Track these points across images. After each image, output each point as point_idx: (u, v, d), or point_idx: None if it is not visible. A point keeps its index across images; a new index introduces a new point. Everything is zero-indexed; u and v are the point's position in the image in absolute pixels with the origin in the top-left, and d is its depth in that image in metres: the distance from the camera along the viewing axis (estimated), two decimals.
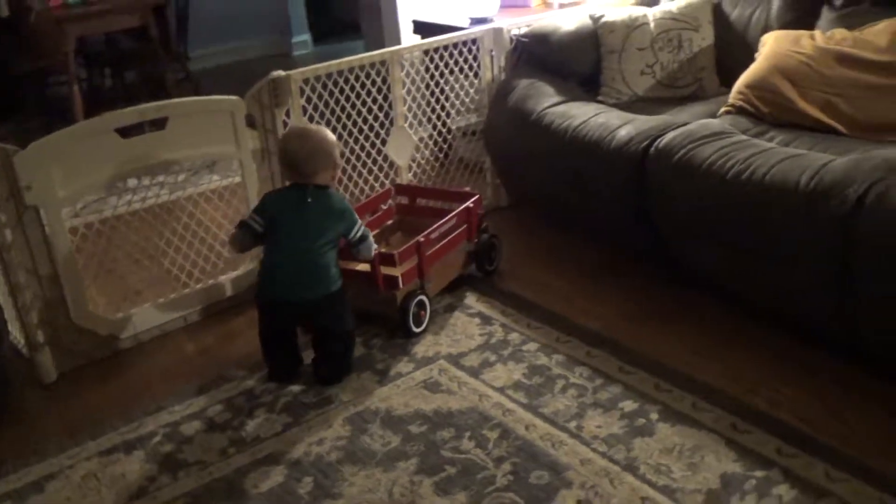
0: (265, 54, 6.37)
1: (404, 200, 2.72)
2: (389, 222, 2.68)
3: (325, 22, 6.94)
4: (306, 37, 6.57)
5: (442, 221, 2.41)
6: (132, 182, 2.49)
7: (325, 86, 2.64)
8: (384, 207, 2.66)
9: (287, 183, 2.18)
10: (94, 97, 4.61)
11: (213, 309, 2.53)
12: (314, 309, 2.09)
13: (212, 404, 2.08)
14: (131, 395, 2.18)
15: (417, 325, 2.30)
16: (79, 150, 2.19)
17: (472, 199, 2.53)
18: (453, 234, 2.44)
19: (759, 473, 1.68)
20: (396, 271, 2.24)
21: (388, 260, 2.24)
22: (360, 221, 2.15)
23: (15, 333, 2.31)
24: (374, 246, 2.20)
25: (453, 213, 2.46)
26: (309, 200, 2.07)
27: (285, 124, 2.52)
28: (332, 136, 2.14)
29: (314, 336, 2.15)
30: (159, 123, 2.32)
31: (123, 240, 2.62)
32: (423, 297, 2.31)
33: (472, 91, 3.02)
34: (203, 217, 2.62)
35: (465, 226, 2.49)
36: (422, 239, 2.30)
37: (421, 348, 2.24)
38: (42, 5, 4.10)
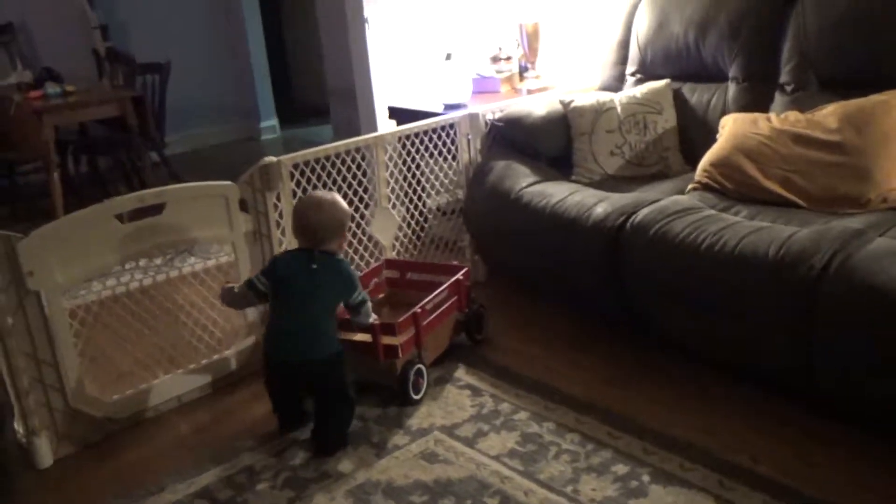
0: (235, 138, 6.53)
1: (394, 275, 2.85)
2: (381, 296, 2.79)
3: (291, 107, 7.15)
4: (274, 122, 6.75)
5: (436, 293, 2.53)
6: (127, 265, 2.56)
7: (312, 170, 2.76)
8: (376, 281, 2.79)
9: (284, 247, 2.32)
10: (66, 185, 4.66)
11: (207, 388, 2.57)
12: (316, 370, 2.18)
13: (213, 482, 2.11)
14: (131, 476, 2.19)
15: (416, 393, 2.39)
16: (79, 237, 2.26)
17: (462, 272, 2.66)
18: (446, 306, 2.57)
19: None
20: (396, 340, 2.35)
21: (388, 330, 2.35)
22: (360, 287, 2.27)
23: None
24: (373, 314, 2.32)
25: (445, 285, 2.59)
26: (314, 266, 2.17)
27: (276, 207, 2.62)
28: (344, 206, 2.24)
29: (315, 403, 2.23)
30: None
31: (114, 321, 2.67)
32: (421, 366, 2.41)
33: (450, 172, 3.17)
34: (197, 297, 2.69)
35: (455, 297, 2.62)
36: (419, 310, 2.42)
37: (415, 420, 2.31)
38: (21, 97, 4.18)
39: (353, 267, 2.85)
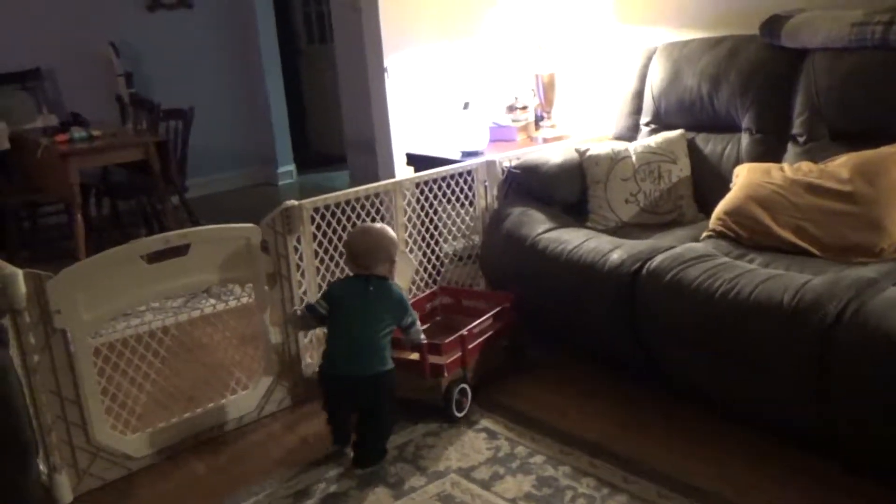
0: (252, 183, 6.62)
1: (448, 301, 3.02)
2: (437, 319, 2.97)
3: (307, 154, 7.28)
4: (291, 167, 6.85)
5: (482, 319, 2.67)
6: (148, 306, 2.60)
7: (333, 214, 2.82)
8: (432, 305, 2.97)
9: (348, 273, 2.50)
10: (87, 227, 4.73)
11: (226, 427, 2.60)
12: (365, 385, 2.30)
13: None
14: None
15: (459, 411, 2.53)
16: (106, 276, 2.31)
17: (508, 300, 2.79)
18: (492, 331, 2.70)
19: None
20: (442, 360, 2.48)
21: (435, 350, 2.49)
22: (411, 309, 2.41)
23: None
24: (421, 332, 2.48)
25: (492, 312, 2.73)
26: (371, 289, 2.33)
27: (296, 249, 2.67)
28: (391, 234, 2.44)
29: (357, 417, 2.34)
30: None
31: (136, 360, 2.70)
32: (465, 386, 2.55)
33: (466, 218, 3.23)
34: (218, 337, 2.72)
35: (501, 323, 2.75)
36: (465, 332, 2.56)
37: (431, 463, 2.32)
38: (49, 140, 4.28)
39: None
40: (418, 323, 2.45)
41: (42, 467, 2.28)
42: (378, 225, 2.49)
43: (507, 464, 2.29)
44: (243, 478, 2.34)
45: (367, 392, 2.31)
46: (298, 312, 2.44)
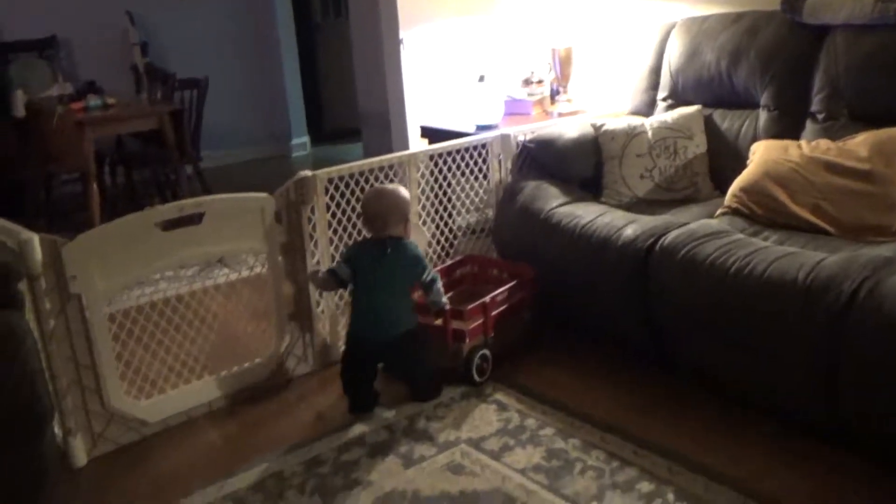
0: (266, 155, 6.63)
1: (474, 270, 3.06)
2: (462, 288, 2.97)
3: (321, 128, 7.28)
4: (305, 139, 6.86)
5: (505, 288, 2.70)
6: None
7: (346, 185, 2.82)
8: (460, 272, 3.03)
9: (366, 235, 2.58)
10: (102, 197, 4.74)
11: (238, 396, 2.62)
12: (396, 345, 2.42)
13: (243, 487, 2.16)
14: (162, 480, 2.24)
15: (480, 376, 2.59)
16: (121, 243, 2.32)
17: (530, 273, 2.81)
18: (514, 300, 2.74)
19: None
20: (464, 326, 2.54)
21: (457, 315, 2.55)
22: (430, 267, 2.49)
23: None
24: (444, 296, 2.51)
25: (515, 281, 2.77)
26: (388, 251, 2.40)
27: (310, 220, 2.68)
28: (404, 194, 2.49)
29: (402, 370, 2.52)
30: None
31: (151, 327, 2.72)
32: (487, 352, 2.60)
33: (480, 191, 3.22)
34: (231, 307, 2.74)
35: (524, 294, 2.78)
36: (487, 300, 2.60)
37: (442, 433, 2.34)
38: (64, 109, 4.29)
39: None
40: (439, 283, 2.49)
41: (57, 431, 2.31)
42: (391, 186, 2.54)
43: (517, 435, 2.30)
44: (256, 445, 2.36)
45: (398, 350, 2.41)
46: (320, 273, 2.50)
